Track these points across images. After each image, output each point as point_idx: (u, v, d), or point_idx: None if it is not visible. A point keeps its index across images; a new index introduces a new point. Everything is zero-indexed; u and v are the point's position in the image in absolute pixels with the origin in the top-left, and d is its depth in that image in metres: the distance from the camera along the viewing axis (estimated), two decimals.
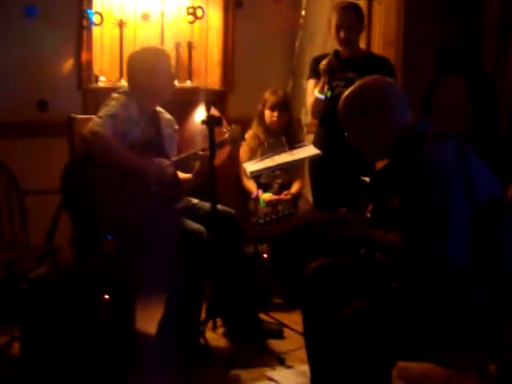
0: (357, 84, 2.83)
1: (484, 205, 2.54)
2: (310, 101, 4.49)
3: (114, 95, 3.80)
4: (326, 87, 4.27)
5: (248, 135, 4.91)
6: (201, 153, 3.81)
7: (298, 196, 4.81)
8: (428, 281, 2.55)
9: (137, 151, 3.67)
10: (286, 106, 4.89)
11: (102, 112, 3.66)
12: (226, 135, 3.94)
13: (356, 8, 4.46)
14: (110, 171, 3.59)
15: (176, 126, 4.07)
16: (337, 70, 4.31)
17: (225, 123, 3.95)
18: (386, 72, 4.12)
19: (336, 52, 4.30)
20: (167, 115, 4.03)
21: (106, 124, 3.57)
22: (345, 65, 4.36)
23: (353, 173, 4.38)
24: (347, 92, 2.83)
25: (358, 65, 4.34)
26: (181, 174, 3.95)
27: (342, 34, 4.37)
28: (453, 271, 2.48)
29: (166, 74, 3.89)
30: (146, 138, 3.76)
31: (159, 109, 3.99)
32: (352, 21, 4.39)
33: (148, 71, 3.82)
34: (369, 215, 2.88)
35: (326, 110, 4.40)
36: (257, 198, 4.61)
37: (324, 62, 4.28)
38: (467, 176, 2.52)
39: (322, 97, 4.31)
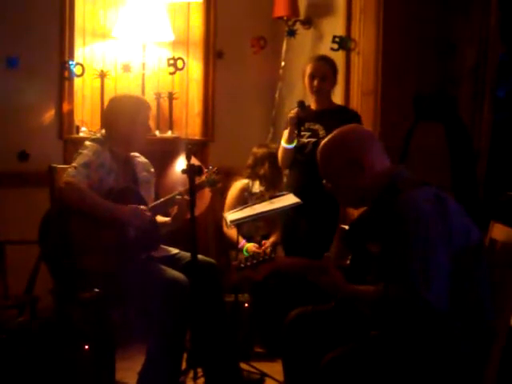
0: (335, 133, 2.85)
1: (462, 250, 2.56)
2: (279, 151, 4.57)
3: (87, 143, 3.80)
4: (295, 139, 4.36)
5: (240, 186, 4.94)
6: (178, 197, 3.81)
7: (276, 244, 4.82)
8: (410, 327, 2.55)
9: (113, 199, 3.67)
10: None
11: (76, 162, 3.67)
12: (203, 177, 3.94)
13: (330, 60, 4.57)
14: (86, 221, 3.58)
15: (152, 169, 4.07)
16: (304, 120, 4.39)
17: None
18: None
19: (301, 102, 4.39)
20: (142, 159, 4.02)
21: (79, 174, 3.58)
22: (313, 116, 4.45)
23: (322, 220, 4.45)
24: (326, 140, 2.85)
25: (326, 118, 4.42)
26: (159, 218, 3.96)
27: (315, 83, 4.45)
28: (435, 317, 2.49)
29: (142, 125, 3.90)
30: (122, 186, 3.77)
31: (134, 153, 3.99)
32: (326, 71, 4.49)
33: (126, 119, 3.83)
34: (348, 262, 2.90)
35: (293, 160, 4.49)
36: (240, 249, 4.62)
37: (291, 112, 4.37)
38: (445, 221, 2.55)
39: (288, 146, 4.42)
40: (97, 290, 3.58)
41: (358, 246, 2.86)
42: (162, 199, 3.90)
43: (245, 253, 4.66)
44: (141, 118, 3.87)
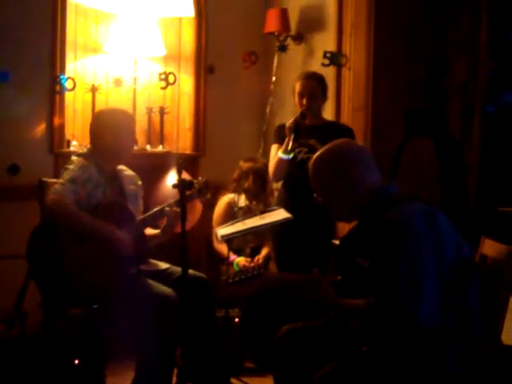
0: (328, 146, 2.86)
1: (452, 266, 2.57)
2: (271, 163, 4.54)
3: (73, 158, 3.80)
4: (291, 145, 4.33)
5: (226, 200, 4.95)
6: (167, 209, 3.81)
7: (268, 258, 4.83)
8: (399, 343, 2.55)
9: (101, 213, 3.66)
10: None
11: (62, 177, 3.66)
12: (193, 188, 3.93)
13: (319, 77, 4.56)
14: (74, 237, 3.57)
15: (139, 182, 4.06)
16: (300, 135, 4.38)
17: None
18: None
19: (303, 113, 4.38)
20: (130, 172, 4.01)
21: (65, 189, 3.57)
22: (307, 132, 4.44)
23: (317, 237, 4.45)
24: (318, 154, 2.86)
25: (321, 133, 4.42)
26: (149, 230, 3.95)
27: (304, 102, 4.45)
28: (424, 334, 2.49)
29: (128, 137, 3.91)
30: (109, 200, 3.76)
31: (121, 167, 3.99)
32: (315, 89, 4.48)
33: (111, 132, 3.82)
34: (339, 277, 2.90)
35: (288, 175, 4.47)
36: (231, 263, 4.61)
37: (290, 120, 4.35)
38: (435, 237, 2.55)
39: (285, 157, 4.37)
40: (86, 305, 3.57)
41: (348, 260, 2.86)
42: (151, 212, 3.90)
43: (235, 267, 4.66)
44: (126, 131, 3.87)
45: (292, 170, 4.45)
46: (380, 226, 2.60)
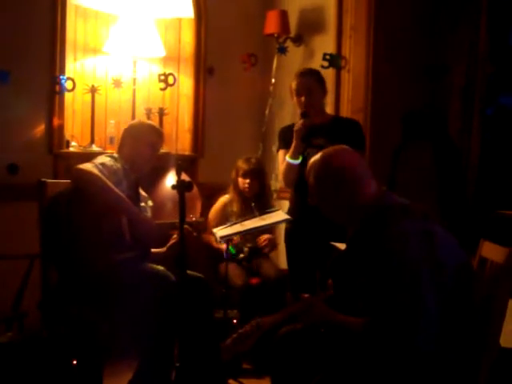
0: (327, 153, 2.86)
1: (452, 281, 2.54)
2: (281, 169, 4.45)
3: (101, 156, 3.85)
4: (301, 151, 4.27)
5: (223, 200, 4.96)
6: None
7: (272, 243, 4.92)
8: (395, 366, 2.53)
9: None
10: (258, 173, 4.96)
11: (91, 161, 3.71)
12: (193, 219, 3.96)
13: (315, 73, 4.44)
14: (90, 211, 3.59)
15: (150, 203, 4.10)
16: (312, 131, 4.31)
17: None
18: (356, 135, 4.18)
19: (304, 113, 4.29)
20: (143, 192, 4.09)
21: (96, 167, 3.62)
22: (315, 131, 4.36)
23: (329, 238, 4.41)
24: (317, 158, 2.85)
25: (327, 130, 4.32)
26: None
27: (302, 99, 4.36)
28: (421, 358, 2.49)
29: (147, 150, 3.94)
30: (128, 194, 3.79)
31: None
32: (311, 85, 4.36)
33: (132, 140, 3.93)
34: (332, 292, 2.90)
35: (299, 177, 4.41)
36: (228, 256, 4.57)
37: (298, 125, 4.24)
38: (434, 260, 2.52)
39: (294, 162, 4.26)
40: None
41: (342, 276, 2.86)
42: (160, 221, 3.92)
43: (232, 250, 4.69)
44: (146, 143, 3.94)
45: (302, 171, 4.38)
46: (376, 252, 2.57)
